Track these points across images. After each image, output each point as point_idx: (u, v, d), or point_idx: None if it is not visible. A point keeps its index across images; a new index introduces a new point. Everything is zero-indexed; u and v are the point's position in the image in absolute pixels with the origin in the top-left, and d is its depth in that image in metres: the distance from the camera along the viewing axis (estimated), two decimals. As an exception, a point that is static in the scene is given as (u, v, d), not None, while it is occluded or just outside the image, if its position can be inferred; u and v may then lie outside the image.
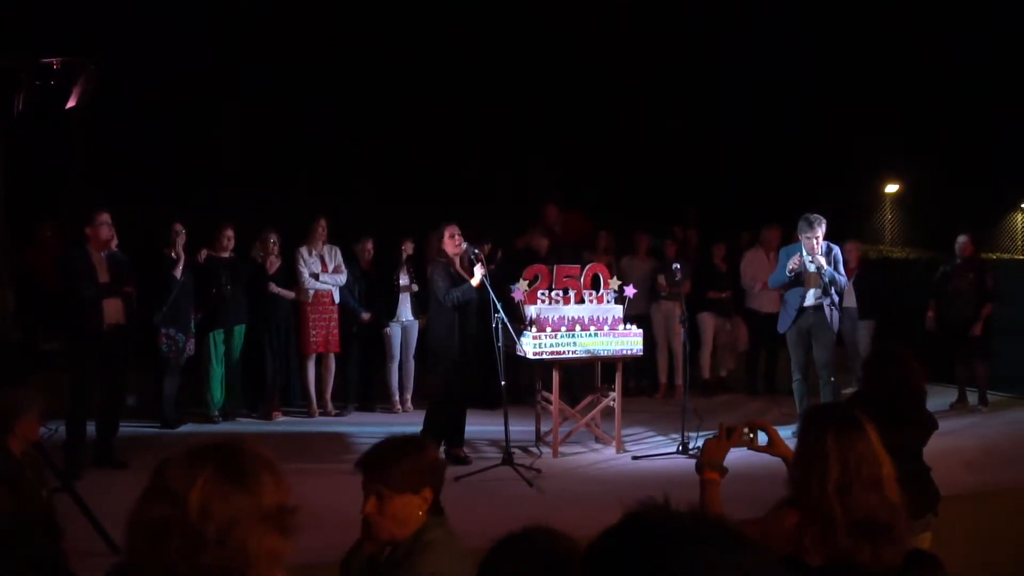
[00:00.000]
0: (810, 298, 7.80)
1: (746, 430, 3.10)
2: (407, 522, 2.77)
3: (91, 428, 7.08)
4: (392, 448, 2.83)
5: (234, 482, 1.59)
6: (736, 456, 3.05)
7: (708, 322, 10.51)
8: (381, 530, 2.77)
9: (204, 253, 8.75)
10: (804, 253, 7.74)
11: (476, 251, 7.14)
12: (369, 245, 9.48)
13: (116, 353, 7.09)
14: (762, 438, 3.15)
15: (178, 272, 8.30)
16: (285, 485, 1.67)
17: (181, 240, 8.37)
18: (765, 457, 3.15)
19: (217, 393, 8.70)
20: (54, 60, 5.30)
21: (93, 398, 7.12)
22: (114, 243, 7.24)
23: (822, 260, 7.65)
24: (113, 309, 7.04)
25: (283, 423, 8.77)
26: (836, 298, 7.72)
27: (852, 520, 2.49)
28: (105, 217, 7.12)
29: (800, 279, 7.78)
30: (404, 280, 9.28)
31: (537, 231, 9.81)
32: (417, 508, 2.78)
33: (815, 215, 7.74)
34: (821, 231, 7.67)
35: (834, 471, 2.55)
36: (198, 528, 1.54)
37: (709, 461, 3.03)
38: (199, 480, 1.57)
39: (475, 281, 7.06)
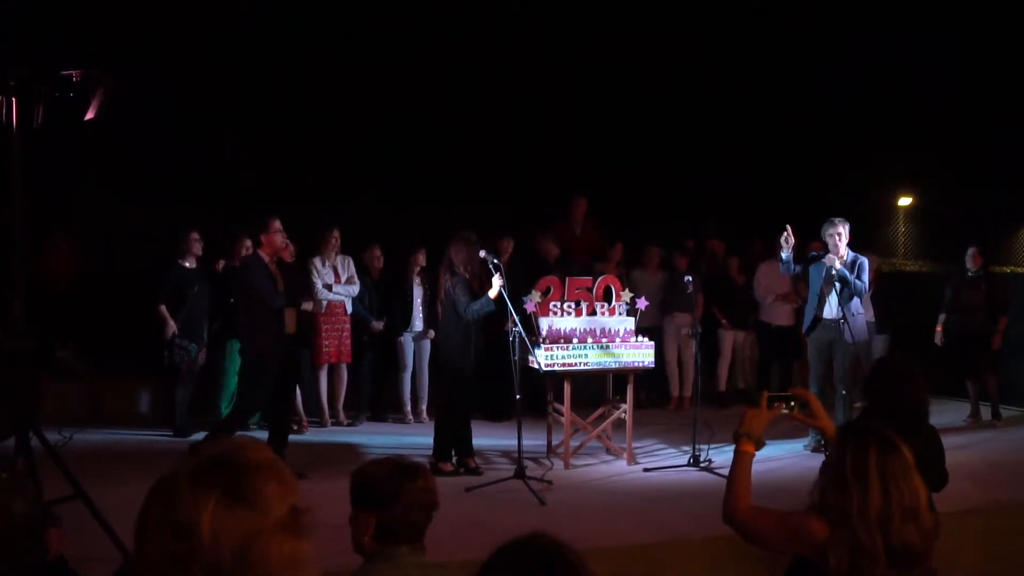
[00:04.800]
0: (829, 310, 7.81)
1: (783, 405, 3.05)
2: (353, 536, 2.76)
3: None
4: (374, 462, 2.88)
5: (242, 502, 1.59)
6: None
7: (726, 334, 10.49)
8: None
9: (222, 263, 8.80)
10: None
11: (495, 260, 6.95)
12: (378, 253, 9.47)
13: (290, 363, 7.06)
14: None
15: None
16: (291, 486, 1.65)
17: (197, 247, 8.45)
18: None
19: (225, 405, 8.63)
20: (73, 72, 5.33)
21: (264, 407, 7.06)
22: (289, 251, 7.17)
23: (834, 258, 7.68)
24: (289, 319, 6.98)
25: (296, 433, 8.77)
26: (852, 307, 7.71)
27: (890, 550, 2.48)
28: (278, 224, 6.91)
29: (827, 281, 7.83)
30: (418, 292, 9.30)
31: (549, 237, 9.78)
32: (359, 526, 2.73)
33: (838, 218, 7.83)
34: (839, 229, 7.71)
35: (876, 499, 2.51)
36: (214, 557, 1.55)
37: (747, 431, 2.96)
38: (207, 508, 1.56)
39: (493, 292, 6.90)
